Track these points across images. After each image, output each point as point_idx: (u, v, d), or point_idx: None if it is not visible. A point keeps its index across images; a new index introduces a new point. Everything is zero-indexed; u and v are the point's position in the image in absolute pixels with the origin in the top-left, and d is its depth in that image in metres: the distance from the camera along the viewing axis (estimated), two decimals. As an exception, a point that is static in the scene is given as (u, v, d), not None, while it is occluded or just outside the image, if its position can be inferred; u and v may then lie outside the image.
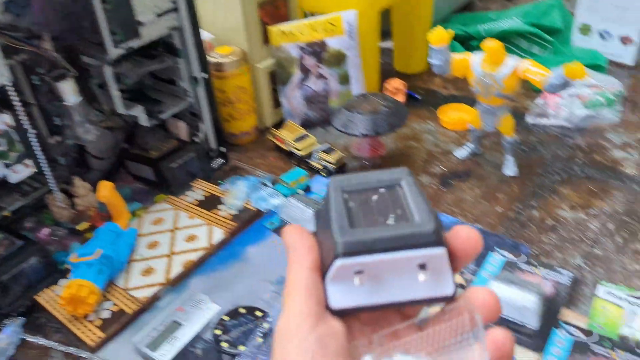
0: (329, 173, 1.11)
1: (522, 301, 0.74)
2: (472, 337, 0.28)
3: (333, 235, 0.28)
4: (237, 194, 1.03)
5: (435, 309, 0.30)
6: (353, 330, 0.30)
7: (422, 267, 0.28)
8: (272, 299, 0.83)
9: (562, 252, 0.88)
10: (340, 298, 0.29)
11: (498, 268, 0.86)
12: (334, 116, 1.14)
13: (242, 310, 0.78)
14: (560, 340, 0.73)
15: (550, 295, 0.80)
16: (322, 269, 0.30)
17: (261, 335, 0.74)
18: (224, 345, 0.73)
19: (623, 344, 0.72)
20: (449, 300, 0.29)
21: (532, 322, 0.74)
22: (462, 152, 1.15)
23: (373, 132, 1.07)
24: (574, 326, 0.75)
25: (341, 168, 1.12)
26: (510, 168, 1.08)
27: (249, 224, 1.00)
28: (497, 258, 0.88)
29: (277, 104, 1.29)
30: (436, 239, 0.28)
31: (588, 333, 0.74)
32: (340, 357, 0.28)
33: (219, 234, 0.95)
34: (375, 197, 0.31)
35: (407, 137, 1.23)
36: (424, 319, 0.30)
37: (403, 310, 0.32)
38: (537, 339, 0.74)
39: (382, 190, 0.32)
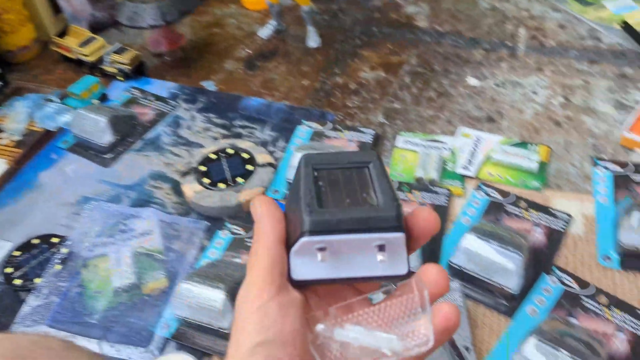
0: (126, 76, 1.01)
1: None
2: (420, 312, 0.30)
3: (301, 212, 0.30)
4: (16, 117, 0.90)
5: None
6: (310, 303, 0.32)
7: (381, 248, 0.30)
8: (71, 221, 0.76)
9: (365, 112, 0.90)
10: (302, 270, 0.31)
11: (306, 139, 0.86)
12: (119, 11, 1.01)
13: (36, 241, 0.70)
14: (364, 195, 0.76)
15: (354, 155, 0.82)
16: (288, 242, 0.32)
17: (59, 261, 0.68)
18: (17, 282, 0.66)
19: (418, 184, 0.77)
20: (402, 278, 0.31)
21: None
22: (265, 31, 1.10)
23: (162, 21, 0.97)
24: (377, 179, 0.78)
25: (138, 68, 1.02)
26: (313, 39, 1.05)
27: (39, 147, 0.88)
28: (304, 130, 0.87)
29: (57, 9, 1.12)
30: (397, 224, 0.30)
31: (390, 182, 0.77)
32: (299, 323, 0.30)
33: (2, 166, 0.84)
34: (343, 177, 0.33)
35: (209, 24, 1.15)
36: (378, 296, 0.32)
37: (358, 286, 0.34)
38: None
39: (351, 170, 0.33)
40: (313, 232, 0.29)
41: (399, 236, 0.30)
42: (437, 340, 0.29)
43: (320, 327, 0.30)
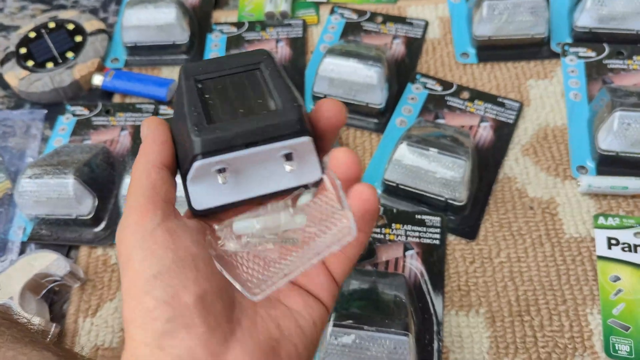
0: None
1: (160, 20, 0.66)
2: (338, 208, 0.27)
3: (189, 133, 0.26)
4: None
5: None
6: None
7: (288, 157, 0.27)
8: None
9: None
10: (204, 198, 0.27)
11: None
12: None
13: None
14: (215, 44, 0.69)
15: (195, 4, 0.73)
16: (181, 169, 0.28)
17: None
18: None
19: (271, 21, 0.70)
20: (316, 183, 0.28)
21: (182, 37, 0.67)
22: None
23: None
24: (226, 24, 0.71)
25: None
26: None
27: None
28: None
29: None
30: (300, 128, 0.27)
31: (240, 25, 0.70)
32: (196, 247, 0.26)
33: None
34: (232, 84, 0.29)
35: None
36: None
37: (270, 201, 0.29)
38: (193, 53, 0.69)
39: (239, 76, 0.29)
40: (206, 153, 0.26)
41: (306, 140, 0.27)
42: (360, 228, 0.26)
43: (215, 226, 0.27)
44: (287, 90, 0.28)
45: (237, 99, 0.28)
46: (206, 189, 0.27)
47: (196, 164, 0.26)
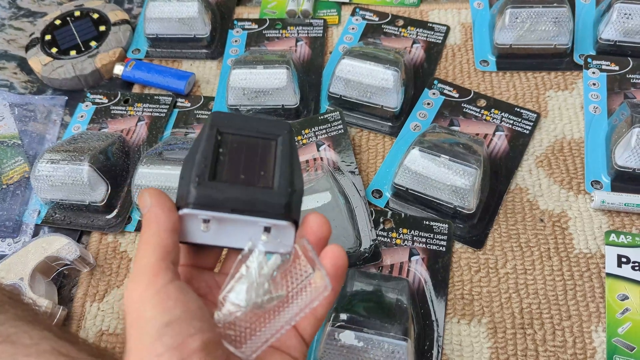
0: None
1: (182, 13, 0.67)
2: (311, 271, 0.30)
3: (190, 181, 0.29)
4: None
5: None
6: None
7: (267, 229, 0.30)
8: None
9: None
10: (187, 234, 0.31)
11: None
12: None
13: None
14: (235, 39, 0.70)
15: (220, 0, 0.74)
16: (177, 201, 0.31)
17: None
18: None
19: (292, 19, 0.71)
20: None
21: (203, 31, 0.68)
22: None
23: None
24: (248, 20, 0.71)
25: None
26: None
27: None
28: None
29: None
30: (284, 212, 0.29)
31: (262, 22, 0.71)
32: (201, 302, 0.29)
33: None
34: (247, 147, 0.31)
35: None
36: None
37: None
38: (213, 48, 0.69)
39: (257, 140, 0.31)
40: (196, 205, 0.29)
41: (285, 224, 0.30)
42: (334, 283, 0.30)
43: (216, 316, 0.29)
44: (289, 172, 0.30)
45: (245, 162, 0.30)
46: (190, 226, 0.31)
47: (184, 211, 0.29)
